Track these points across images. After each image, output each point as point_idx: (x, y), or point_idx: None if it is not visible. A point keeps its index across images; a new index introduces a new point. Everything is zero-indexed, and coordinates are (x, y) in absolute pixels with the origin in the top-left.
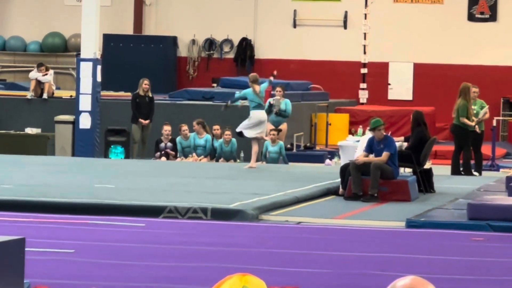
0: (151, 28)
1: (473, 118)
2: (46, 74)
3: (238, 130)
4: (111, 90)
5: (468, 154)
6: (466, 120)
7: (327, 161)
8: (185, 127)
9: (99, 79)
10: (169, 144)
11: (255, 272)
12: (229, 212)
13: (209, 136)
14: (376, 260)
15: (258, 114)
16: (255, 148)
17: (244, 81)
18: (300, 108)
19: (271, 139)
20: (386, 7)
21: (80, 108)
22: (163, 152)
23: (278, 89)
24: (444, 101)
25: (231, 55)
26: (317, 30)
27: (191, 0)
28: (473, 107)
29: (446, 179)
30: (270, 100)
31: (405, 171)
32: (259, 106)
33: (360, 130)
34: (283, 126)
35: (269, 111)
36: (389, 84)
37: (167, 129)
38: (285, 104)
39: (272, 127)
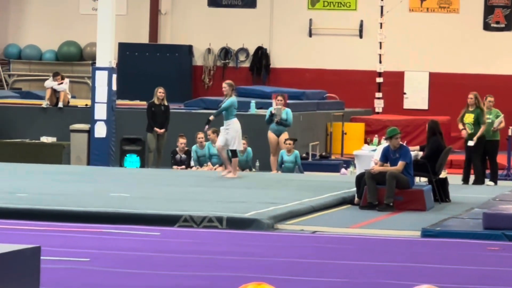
0: (167, 37)
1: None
2: (62, 83)
3: (234, 148)
4: (127, 99)
5: (476, 164)
6: (459, 125)
7: (343, 170)
8: (201, 136)
9: (114, 88)
10: (183, 156)
11: (270, 281)
12: (245, 221)
13: None
14: (391, 269)
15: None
16: (225, 155)
17: (260, 90)
18: (316, 117)
19: (287, 148)
20: (401, 16)
21: (96, 117)
22: (180, 165)
23: (279, 98)
24: (460, 111)
25: (246, 64)
26: (333, 39)
27: (207, 9)
28: (488, 116)
29: (462, 189)
30: (271, 109)
31: (421, 181)
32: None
33: (375, 139)
34: (284, 135)
35: (270, 120)
36: (405, 93)
37: (182, 141)
38: (286, 113)
39: (275, 136)
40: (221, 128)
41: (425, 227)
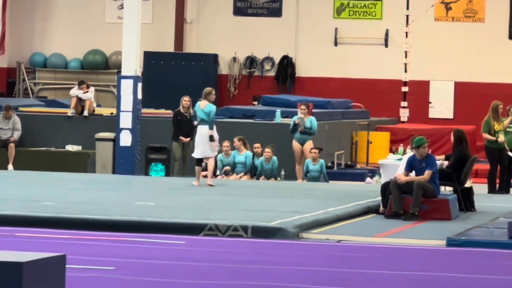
0: (192, 45)
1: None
2: (87, 92)
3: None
4: (152, 107)
5: (493, 172)
6: (487, 136)
7: (368, 179)
8: (226, 144)
9: (139, 96)
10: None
11: None
12: (270, 230)
13: (249, 153)
14: (416, 278)
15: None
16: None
17: (285, 99)
18: (341, 126)
19: (312, 157)
20: (427, 25)
21: (121, 126)
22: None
23: (302, 106)
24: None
25: (272, 73)
26: (358, 48)
27: (232, 17)
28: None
29: (487, 198)
30: (295, 118)
31: (446, 190)
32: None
33: (401, 148)
34: (308, 144)
35: (294, 130)
36: (430, 103)
37: None
38: (310, 121)
39: (299, 145)
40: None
41: (450, 236)
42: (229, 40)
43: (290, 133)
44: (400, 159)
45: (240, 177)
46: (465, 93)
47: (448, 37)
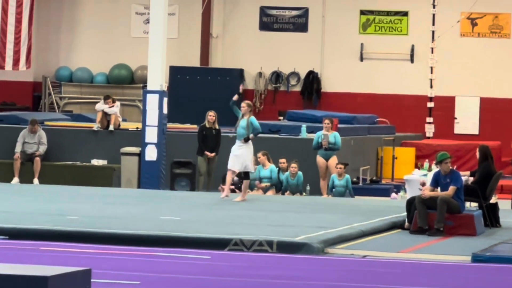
0: (218, 60)
1: None
2: (113, 106)
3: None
4: (177, 122)
5: None
6: None
7: (393, 194)
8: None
9: (165, 111)
10: (235, 178)
11: None
12: (295, 245)
13: (274, 167)
14: None
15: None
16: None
17: (311, 114)
18: (366, 141)
19: (337, 172)
20: (452, 41)
21: (146, 140)
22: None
23: (326, 121)
24: (511, 136)
25: (297, 88)
26: (384, 63)
27: (258, 32)
28: None
29: None
30: (318, 135)
31: (471, 206)
32: None
33: (426, 164)
34: (332, 159)
35: (317, 147)
36: (455, 118)
37: None
38: (334, 136)
39: (323, 160)
40: (233, 148)
41: (475, 252)
42: (255, 55)
43: (313, 149)
44: (425, 175)
45: (265, 186)
46: (490, 109)
47: (473, 52)
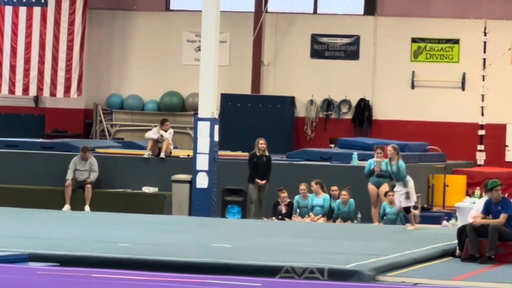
0: (269, 88)
1: None
2: (169, 129)
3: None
4: (229, 149)
5: None
6: None
7: (444, 222)
8: (303, 187)
9: (216, 138)
10: (287, 207)
11: None
12: (346, 273)
13: (327, 196)
14: None
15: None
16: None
17: (362, 142)
18: (418, 169)
19: (388, 200)
20: (504, 68)
21: (197, 168)
22: (279, 216)
23: (378, 150)
24: None
25: (349, 116)
26: (435, 91)
27: (309, 60)
28: None
29: None
30: (370, 162)
31: None
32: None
33: (477, 191)
34: (384, 187)
35: (370, 173)
36: (507, 146)
37: (283, 196)
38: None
39: (375, 188)
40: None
41: None
42: (306, 82)
43: (365, 177)
44: (474, 203)
45: (317, 219)
46: None
47: None
